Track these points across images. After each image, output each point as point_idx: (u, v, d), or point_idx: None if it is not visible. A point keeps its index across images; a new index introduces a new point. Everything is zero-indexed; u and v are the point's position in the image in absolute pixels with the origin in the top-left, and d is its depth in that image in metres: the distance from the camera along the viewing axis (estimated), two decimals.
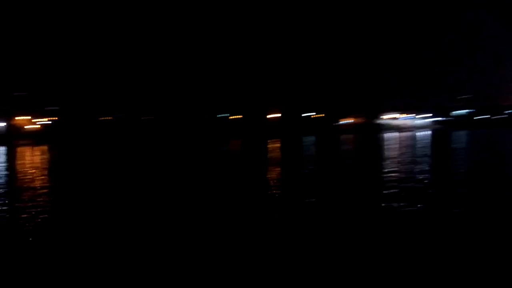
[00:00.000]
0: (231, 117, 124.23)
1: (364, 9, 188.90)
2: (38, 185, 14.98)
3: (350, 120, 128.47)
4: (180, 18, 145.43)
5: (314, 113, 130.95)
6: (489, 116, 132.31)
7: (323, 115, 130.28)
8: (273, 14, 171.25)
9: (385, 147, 33.25)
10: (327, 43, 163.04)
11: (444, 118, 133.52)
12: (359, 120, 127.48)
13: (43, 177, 18.56)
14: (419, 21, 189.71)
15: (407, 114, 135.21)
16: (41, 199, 11.71)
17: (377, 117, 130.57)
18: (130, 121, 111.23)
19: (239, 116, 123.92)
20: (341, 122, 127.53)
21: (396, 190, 10.98)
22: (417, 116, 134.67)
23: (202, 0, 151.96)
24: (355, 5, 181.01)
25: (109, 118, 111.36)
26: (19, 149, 52.08)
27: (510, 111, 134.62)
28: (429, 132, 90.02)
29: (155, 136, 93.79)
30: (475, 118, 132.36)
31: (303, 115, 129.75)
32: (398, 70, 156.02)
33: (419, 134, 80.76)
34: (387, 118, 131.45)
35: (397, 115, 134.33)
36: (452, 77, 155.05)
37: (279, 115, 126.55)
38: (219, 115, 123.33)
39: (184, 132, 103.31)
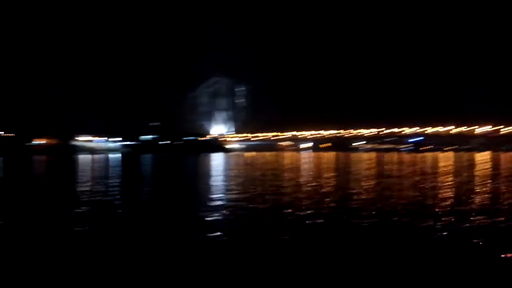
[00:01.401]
0: None
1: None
2: None
3: (44, 141, 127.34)
4: None
5: (2, 132, 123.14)
6: (170, 141, 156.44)
7: (13, 134, 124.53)
8: None
9: (75, 169, 39.91)
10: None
11: (133, 142, 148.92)
12: (53, 141, 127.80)
13: None
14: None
15: (100, 137, 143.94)
16: None
17: (72, 138, 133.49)
18: None
19: None
20: (34, 143, 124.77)
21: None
22: (109, 140, 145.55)
23: None
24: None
25: None
26: None
27: (186, 138, 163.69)
28: (119, 155, 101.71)
29: None
30: (159, 143, 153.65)
31: None
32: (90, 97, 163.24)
33: (111, 156, 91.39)
34: (81, 140, 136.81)
35: (91, 138, 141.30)
36: (144, 105, 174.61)
37: None
38: None
39: None
